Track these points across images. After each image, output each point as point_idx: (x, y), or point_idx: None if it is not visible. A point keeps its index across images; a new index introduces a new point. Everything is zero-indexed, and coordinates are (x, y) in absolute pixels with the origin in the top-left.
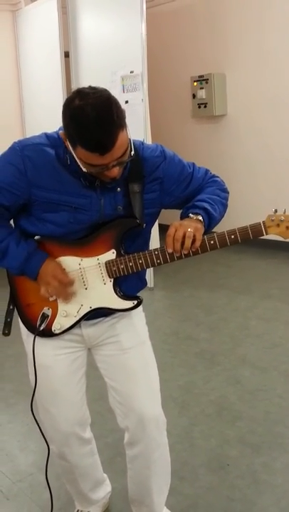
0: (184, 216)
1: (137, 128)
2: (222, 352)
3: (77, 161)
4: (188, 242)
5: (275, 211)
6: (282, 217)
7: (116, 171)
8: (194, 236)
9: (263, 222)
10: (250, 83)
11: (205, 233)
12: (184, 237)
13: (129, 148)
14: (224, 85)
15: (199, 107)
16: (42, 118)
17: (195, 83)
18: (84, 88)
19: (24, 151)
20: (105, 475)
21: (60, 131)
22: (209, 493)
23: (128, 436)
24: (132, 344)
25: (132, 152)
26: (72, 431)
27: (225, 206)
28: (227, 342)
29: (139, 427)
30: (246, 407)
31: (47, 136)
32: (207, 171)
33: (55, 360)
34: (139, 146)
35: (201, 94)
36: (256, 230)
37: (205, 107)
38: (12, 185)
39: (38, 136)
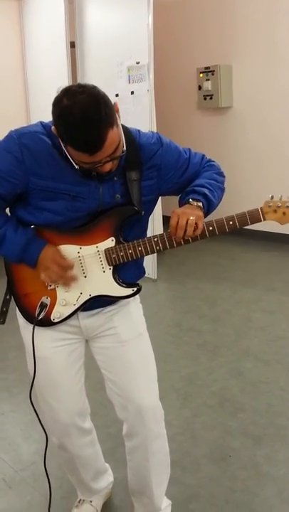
0: (182, 202)
1: (143, 119)
2: (225, 344)
3: (69, 157)
4: (190, 231)
5: (272, 197)
6: (279, 204)
7: (108, 166)
8: (196, 224)
9: (261, 209)
10: (256, 75)
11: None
12: (186, 224)
13: (121, 144)
14: (230, 77)
15: (205, 99)
16: (47, 108)
17: (201, 74)
18: (72, 86)
19: (21, 139)
20: (107, 465)
21: (52, 127)
22: (211, 483)
23: (127, 427)
24: (129, 336)
25: (124, 148)
26: (72, 421)
27: (222, 190)
28: (230, 334)
29: (137, 418)
30: (249, 399)
31: (43, 124)
32: (203, 156)
33: (53, 352)
34: (136, 134)
35: (207, 85)
36: (254, 216)
37: (211, 98)
38: (10, 174)
39: (34, 124)
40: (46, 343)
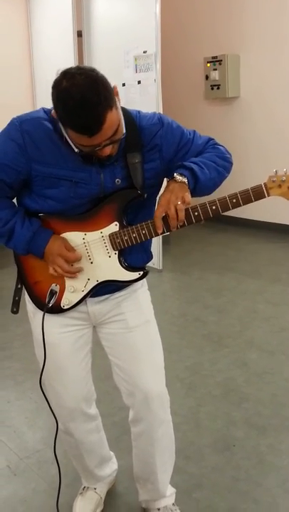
0: (169, 177)
1: (149, 108)
2: (230, 334)
3: (69, 141)
4: (181, 215)
5: (276, 172)
6: (284, 178)
7: (108, 150)
8: (183, 198)
9: (265, 184)
10: (264, 65)
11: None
12: (176, 211)
13: (121, 127)
14: (238, 67)
15: (212, 89)
16: None
17: (208, 64)
18: (71, 69)
19: (23, 125)
20: (112, 453)
21: (52, 111)
22: (214, 472)
23: (133, 413)
24: (137, 323)
25: (124, 131)
26: (78, 406)
27: (220, 173)
28: (235, 325)
29: (143, 404)
30: (253, 389)
31: (45, 110)
32: (210, 139)
33: (60, 338)
34: (136, 116)
35: (214, 75)
36: (257, 192)
37: (218, 88)
38: (13, 161)
39: (37, 110)
40: (54, 329)
